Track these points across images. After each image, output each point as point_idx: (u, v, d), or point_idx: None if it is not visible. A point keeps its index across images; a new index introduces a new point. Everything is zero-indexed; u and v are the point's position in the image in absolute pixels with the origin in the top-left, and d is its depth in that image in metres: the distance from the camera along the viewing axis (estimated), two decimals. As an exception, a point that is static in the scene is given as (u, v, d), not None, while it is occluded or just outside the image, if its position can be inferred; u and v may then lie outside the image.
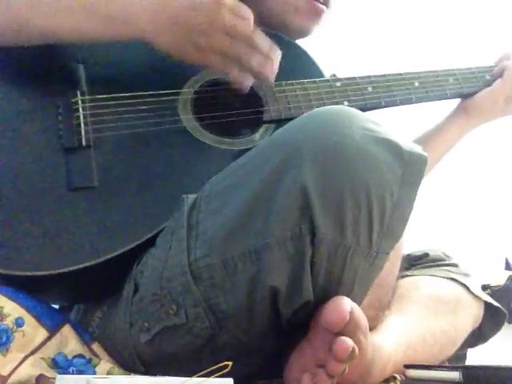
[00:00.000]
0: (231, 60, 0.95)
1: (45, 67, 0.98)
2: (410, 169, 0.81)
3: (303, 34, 1.19)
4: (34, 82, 0.97)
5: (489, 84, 1.27)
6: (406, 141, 0.83)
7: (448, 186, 2.27)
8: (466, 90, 1.25)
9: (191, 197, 0.88)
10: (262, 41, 0.95)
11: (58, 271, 0.88)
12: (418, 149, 0.83)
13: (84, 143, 0.95)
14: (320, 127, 0.80)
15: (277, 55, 0.97)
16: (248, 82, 0.98)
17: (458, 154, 1.39)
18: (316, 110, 0.85)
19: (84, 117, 0.96)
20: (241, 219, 0.80)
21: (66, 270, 0.88)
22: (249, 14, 0.93)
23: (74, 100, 0.97)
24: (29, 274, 0.87)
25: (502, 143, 2.38)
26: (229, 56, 0.94)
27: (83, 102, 0.97)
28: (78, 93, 0.98)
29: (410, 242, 1.14)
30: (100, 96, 0.97)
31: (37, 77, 0.97)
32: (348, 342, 0.75)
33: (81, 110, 0.97)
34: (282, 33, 1.16)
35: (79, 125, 0.96)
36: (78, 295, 0.98)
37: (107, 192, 0.93)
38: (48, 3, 0.94)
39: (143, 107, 0.98)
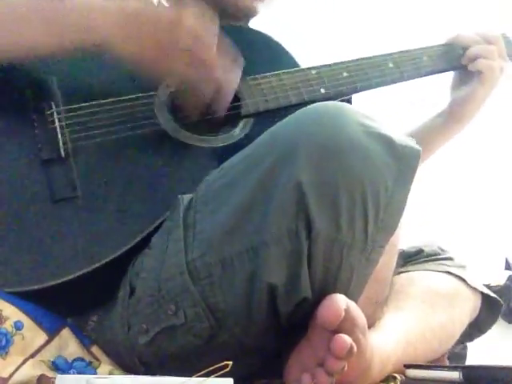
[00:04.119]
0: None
1: (16, 82, 0.97)
2: (403, 162, 0.81)
3: (251, 13, 1.18)
4: (7, 98, 0.96)
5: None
6: (400, 135, 0.83)
7: (448, 186, 2.28)
8: (441, 66, 1.24)
9: (186, 197, 0.88)
10: (224, 59, 0.95)
11: (47, 284, 0.87)
12: (411, 142, 0.83)
13: (63, 154, 0.94)
14: (314, 123, 0.80)
15: (240, 69, 0.98)
16: (205, 99, 0.97)
17: (458, 154, 1.40)
18: (310, 106, 0.85)
19: (60, 128, 0.95)
20: (237, 217, 0.80)
21: (56, 282, 0.87)
22: (210, 38, 0.92)
23: (48, 112, 0.96)
24: (18, 289, 0.87)
25: (503, 143, 2.38)
26: (190, 72, 0.94)
27: (58, 113, 0.96)
28: (53, 104, 0.96)
29: (410, 242, 1.14)
30: (74, 106, 0.96)
31: (8, 92, 0.95)
32: (345, 338, 0.76)
33: (56, 121, 0.95)
34: (230, 13, 1.14)
35: (56, 136, 0.95)
36: (71, 306, 0.96)
37: (91, 200, 0.93)
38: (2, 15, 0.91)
39: (119, 112, 0.97)
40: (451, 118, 1.30)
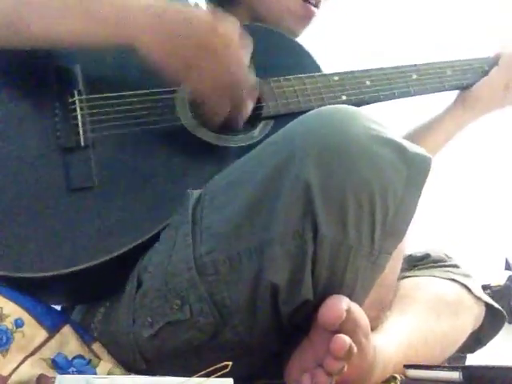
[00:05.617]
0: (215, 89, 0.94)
1: (41, 68, 0.97)
2: (414, 169, 0.80)
3: (293, 36, 1.19)
4: (31, 84, 0.96)
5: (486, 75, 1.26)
6: (410, 143, 0.83)
7: (448, 186, 2.27)
8: (465, 81, 1.24)
9: (196, 192, 0.88)
10: (247, 82, 0.95)
11: (60, 272, 0.87)
12: (422, 150, 0.83)
13: (82, 143, 0.94)
14: (325, 125, 0.80)
15: (255, 96, 0.98)
16: (220, 116, 0.96)
17: (458, 153, 1.39)
18: (321, 108, 0.85)
19: (82, 116, 0.95)
20: (245, 215, 0.80)
21: (68, 270, 0.87)
22: (243, 52, 0.93)
23: (71, 100, 0.96)
24: (31, 275, 0.87)
25: (502, 144, 2.38)
26: (214, 85, 0.93)
27: (80, 101, 0.96)
28: (75, 92, 0.96)
29: (410, 243, 1.14)
30: (97, 95, 0.96)
31: (33, 78, 0.96)
32: (345, 339, 0.75)
33: (78, 109, 0.95)
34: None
35: (77, 125, 0.95)
36: (80, 295, 0.98)
37: (107, 191, 0.93)
38: (43, 4, 0.92)
39: (141, 106, 0.97)
40: (463, 105, 1.28)
